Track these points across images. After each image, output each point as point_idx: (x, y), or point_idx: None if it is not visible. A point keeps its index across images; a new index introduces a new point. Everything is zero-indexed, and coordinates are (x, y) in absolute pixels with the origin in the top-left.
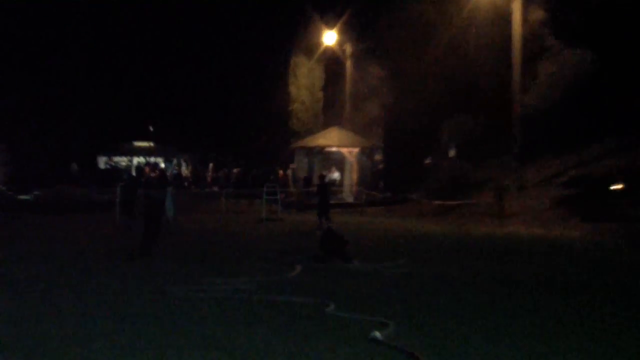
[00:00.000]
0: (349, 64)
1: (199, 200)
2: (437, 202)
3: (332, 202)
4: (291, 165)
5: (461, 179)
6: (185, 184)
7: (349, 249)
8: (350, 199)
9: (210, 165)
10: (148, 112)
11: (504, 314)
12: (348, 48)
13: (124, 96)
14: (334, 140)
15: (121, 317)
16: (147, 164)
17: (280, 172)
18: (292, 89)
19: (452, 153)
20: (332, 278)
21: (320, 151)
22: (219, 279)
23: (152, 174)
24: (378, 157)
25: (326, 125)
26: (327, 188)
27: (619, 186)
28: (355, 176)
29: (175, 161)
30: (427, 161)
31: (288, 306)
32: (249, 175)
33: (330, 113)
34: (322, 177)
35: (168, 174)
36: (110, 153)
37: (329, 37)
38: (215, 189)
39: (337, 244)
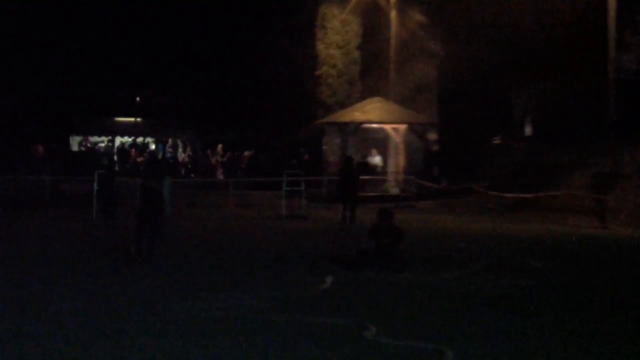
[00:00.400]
0: (393, 15)
1: (201, 192)
2: (509, 195)
3: (371, 194)
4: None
5: (539, 164)
6: (183, 171)
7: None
8: (395, 191)
9: (219, 146)
10: (133, 78)
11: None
12: None
13: (101, 53)
14: (375, 114)
15: (104, 339)
16: (133, 145)
17: (305, 155)
18: (321, 48)
19: (527, 131)
20: (372, 292)
21: (357, 128)
22: (226, 293)
23: (139, 159)
24: (432, 136)
25: (364, 95)
26: (356, 173)
27: None
28: (401, 161)
29: (170, 142)
30: (496, 141)
31: (315, 329)
32: (257, 160)
33: (369, 80)
34: (348, 159)
35: (160, 157)
36: (85, 132)
37: None
38: (221, 176)
39: (390, 235)
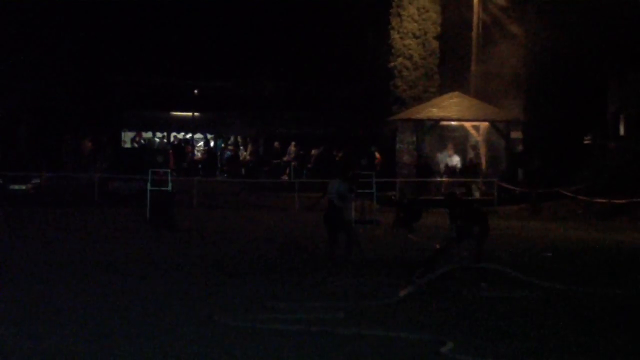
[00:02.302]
0: (476, 1)
1: (264, 193)
2: (600, 200)
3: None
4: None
5: (635, 167)
6: (243, 170)
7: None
8: (475, 194)
9: (292, 144)
10: (191, 69)
11: None
12: None
13: (156, 42)
14: (454, 110)
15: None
16: (190, 141)
17: (377, 154)
18: (396, 38)
19: (622, 130)
20: (451, 304)
21: (434, 126)
22: (287, 304)
23: (197, 156)
24: (516, 134)
25: (442, 89)
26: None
27: None
28: (483, 161)
29: (231, 139)
30: (587, 140)
31: (388, 344)
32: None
33: (448, 73)
34: (422, 160)
35: (218, 155)
36: (138, 127)
37: None
38: (286, 177)
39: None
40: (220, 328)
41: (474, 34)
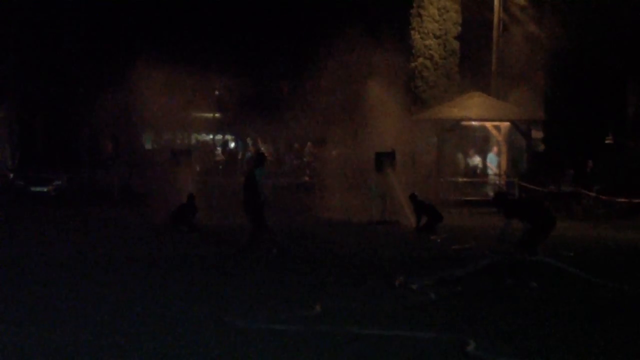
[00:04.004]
0: (497, 1)
1: (286, 193)
2: (621, 200)
3: (469, 198)
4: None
5: None
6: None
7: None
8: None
9: (308, 144)
10: (211, 70)
11: None
12: None
13: (176, 42)
14: (474, 110)
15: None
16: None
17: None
18: (416, 38)
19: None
20: (478, 304)
21: (455, 126)
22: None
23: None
24: (537, 134)
25: (463, 89)
26: None
27: None
28: (504, 161)
29: (249, 140)
30: (607, 140)
31: (408, 344)
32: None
33: (468, 73)
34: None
35: (239, 157)
36: (158, 127)
37: None
38: (307, 178)
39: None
40: (237, 329)
41: (494, 33)
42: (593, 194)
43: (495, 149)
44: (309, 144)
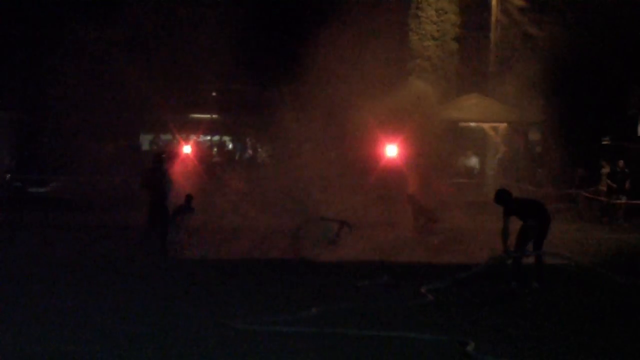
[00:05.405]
0: (495, 1)
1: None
2: (618, 201)
3: (466, 199)
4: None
5: None
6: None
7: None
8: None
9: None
10: (211, 70)
11: None
12: None
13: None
14: (472, 112)
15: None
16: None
17: None
18: (414, 39)
19: None
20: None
21: (453, 128)
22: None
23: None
24: (535, 136)
25: (461, 91)
26: None
27: None
28: (501, 163)
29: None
30: (605, 142)
31: (404, 344)
32: None
33: (466, 74)
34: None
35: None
36: (157, 129)
37: None
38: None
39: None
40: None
41: (492, 34)
42: (590, 195)
43: (493, 150)
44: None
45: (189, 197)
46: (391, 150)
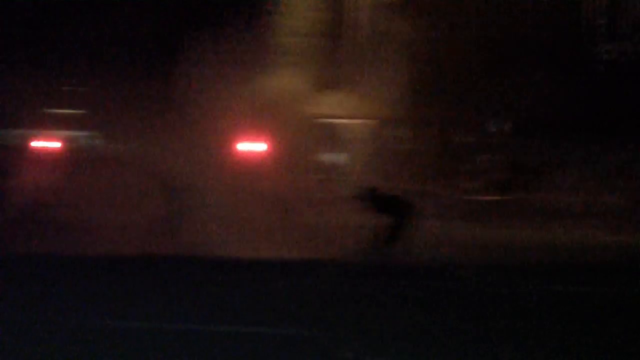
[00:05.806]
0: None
1: None
2: (478, 197)
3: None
4: None
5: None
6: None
7: None
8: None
9: None
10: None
11: None
12: None
13: None
14: (336, 107)
15: None
16: None
17: None
18: (277, 33)
19: (506, 127)
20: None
21: (316, 124)
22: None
23: None
24: (399, 133)
25: (325, 87)
26: None
27: None
28: (360, 160)
29: None
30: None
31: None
32: None
33: (331, 70)
34: None
35: None
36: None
37: None
38: None
39: None
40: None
41: (354, 31)
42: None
43: (347, 146)
44: None
45: None
46: (246, 146)
